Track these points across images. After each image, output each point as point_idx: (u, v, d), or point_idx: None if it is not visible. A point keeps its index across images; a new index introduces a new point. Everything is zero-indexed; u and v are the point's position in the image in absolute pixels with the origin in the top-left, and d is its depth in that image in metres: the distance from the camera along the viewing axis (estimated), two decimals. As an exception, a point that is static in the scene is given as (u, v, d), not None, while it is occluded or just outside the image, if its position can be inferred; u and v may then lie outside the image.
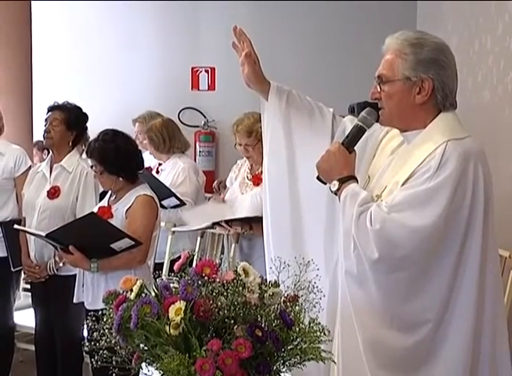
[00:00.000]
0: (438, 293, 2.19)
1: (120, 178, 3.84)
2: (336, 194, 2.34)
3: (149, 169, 5.19)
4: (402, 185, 2.23)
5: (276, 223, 2.69)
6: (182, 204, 4.82)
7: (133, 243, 3.68)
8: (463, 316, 2.20)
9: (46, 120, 4.39)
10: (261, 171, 4.51)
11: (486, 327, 2.26)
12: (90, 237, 3.71)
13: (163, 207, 4.67)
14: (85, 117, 4.52)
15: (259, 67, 2.61)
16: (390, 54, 2.31)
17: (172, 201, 4.81)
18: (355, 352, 2.23)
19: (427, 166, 2.19)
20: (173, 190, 4.82)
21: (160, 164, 5.27)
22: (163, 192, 4.68)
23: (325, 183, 2.40)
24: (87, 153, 4.00)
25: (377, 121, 2.39)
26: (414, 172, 2.22)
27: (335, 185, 2.33)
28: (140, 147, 4.40)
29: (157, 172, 5.21)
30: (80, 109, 4.49)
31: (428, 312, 2.19)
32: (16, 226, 4.20)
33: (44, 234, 3.77)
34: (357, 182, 2.34)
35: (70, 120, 4.38)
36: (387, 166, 2.38)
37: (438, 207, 2.15)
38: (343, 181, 2.32)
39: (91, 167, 3.93)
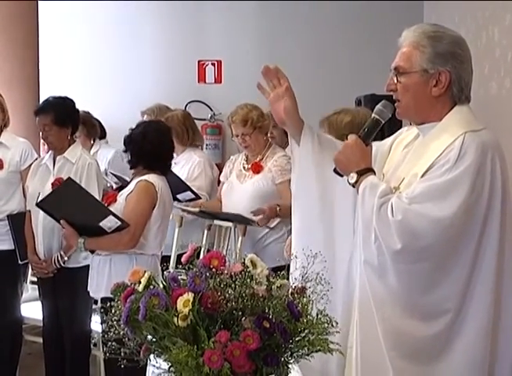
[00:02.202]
0: (458, 282, 2.21)
1: (141, 166, 3.90)
2: (353, 186, 2.34)
3: None
4: (422, 176, 2.24)
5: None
6: (198, 197, 4.83)
7: (119, 223, 3.70)
8: (481, 304, 2.22)
9: (38, 125, 4.38)
10: (260, 160, 4.54)
11: (504, 316, 2.27)
12: (78, 211, 3.77)
13: (177, 200, 4.70)
14: (72, 105, 4.47)
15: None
16: (407, 46, 2.31)
17: (187, 195, 4.81)
18: (374, 342, 2.23)
19: (446, 158, 2.20)
20: (188, 184, 4.82)
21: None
22: (178, 186, 4.70)
23: (342, 176, 2.40)
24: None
25: (393, 114, 2.39)
26: (433, 164, 2.23)
27: (353, 177, 2.33)
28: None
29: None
30: (64, 100, 4.45)
31: (448, 301, 2.21)
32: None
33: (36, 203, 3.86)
34: (375, 174, 2.35)
35: (59, 118, 4.34)
36: (403, 159, 2.40)
37: (457, 198, 2.16)
38: (361, 173, 2.32)
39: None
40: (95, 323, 4.41)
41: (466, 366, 2.22)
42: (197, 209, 4.67)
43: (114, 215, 3.69)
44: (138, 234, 3.79)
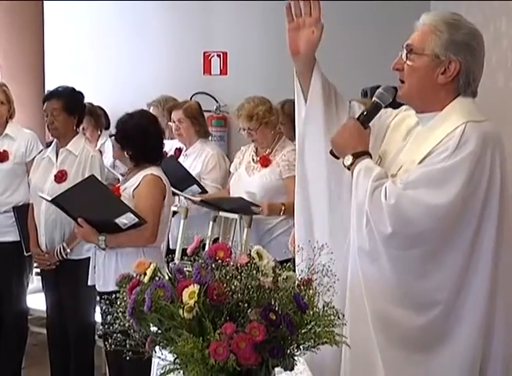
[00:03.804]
0: (451, 274, 2.18)
1: (126, 154, 3.85)
2: (349, 169, 2.33)
3: (178, 152, 5.19)
4: (419, 163, 2.22)
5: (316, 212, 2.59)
6: (204, 192, 4.84)
7: (137, 220, 3.68)
8: (477, 300, 2.19)
9: (45, 110, 4.38)
10: (268, 153, 4.54)
11: (499, 314, 2.24)
12: (94, 207, 3.74)
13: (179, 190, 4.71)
14: (82, 96, 4.50)
15: None
16: (424, 29, 2.28)
17: (197, 189, 4.82)
18: (364, 329, 2.21)
19: (445, 146, 2.18)
20: (197, 178, 4.84)
21: (180, 149, 5.24)
22: (187, 179, 4.74)
23: (338, 158, 2.38)
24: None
25: (394, 99, 2.37)
26: (432, 151, 2.21)
27: (348, 159, 2.31)
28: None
29: (178, 157, 5.20)
30: (74, 90, 4.47)
31: (440, 292, 2.19)
32: (40, 194, 4.20)
33: (50, 198, 3.80)
34: (371, 157, 2.33)
35: (69, 105, 4.36)
36: (403, 146, 2.37)
37: (454, 186, 2.14)
38: (357, 156, 2.31)
39: None
40: (100, 315, 4.43)
41: (455, 363, 2.20)
42: (198, 198, 4.66)
43: (133, 212, 3.67)
44: (157, 229, 3.80)
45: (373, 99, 2.40)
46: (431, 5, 6.77)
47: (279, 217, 4.42)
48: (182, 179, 4.74)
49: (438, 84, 2.26)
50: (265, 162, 4.52)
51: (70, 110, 4.37)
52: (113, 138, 4.01)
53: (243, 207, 4.39)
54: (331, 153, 2.39)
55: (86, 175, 4.22)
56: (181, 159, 5.11)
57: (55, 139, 4.51)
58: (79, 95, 4.48)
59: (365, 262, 2.25)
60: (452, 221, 2.16)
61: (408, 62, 2.29)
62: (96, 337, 4.50)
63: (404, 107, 2.51)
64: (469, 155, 2.15)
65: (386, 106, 2.44)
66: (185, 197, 4.76)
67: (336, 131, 2.38)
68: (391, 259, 2.19)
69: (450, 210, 2.15)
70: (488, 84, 4.84)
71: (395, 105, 2.50)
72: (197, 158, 5.05)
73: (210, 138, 5.43)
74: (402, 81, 2.32)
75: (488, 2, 5.04)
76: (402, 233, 2.17)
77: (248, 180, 4.53)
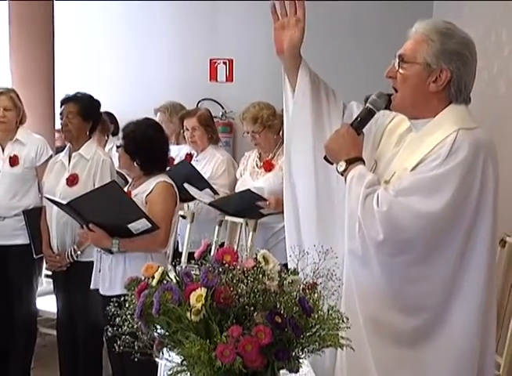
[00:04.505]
0: (441, 280, 2.18)
1: (135, 164, 3.86)
2: (342, 175, 2.32)
3: (189, 157, 5.21)
4: (411, 171, 2.21)
5: (303, 210, 2.59)
6: (217, 194, 4.85)
7: (150, 226, 3.68)
8: (468, 307, 2.18)
9: (61, 113, 4.41)
10: (271, 158, 4.54)
11: (492, 319, 2.25)
12: (109, 212, 3.73)
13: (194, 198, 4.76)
14: (98, 104, 4.55)
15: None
16: (416, 37, 2.27)
17: (207, 192, 4.83)
18: (356, 329, 2.18)
19: (437, 153, 2.17)
20: (209, 182, 4.84)
21: (191, 154, 5.25)
22: (199, 182, 4.74)
23: (331, 163, 2.37)
24: (123, 127, 4.04)
25: (387, 106, 2.36)
26: (423, 159, 2.20)
27: (342, 165, 2.31)
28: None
29: (188, 159, 5.21)
30: (92, 97, 4.51)
31: (429, 298, 2.18)
32: (46, 195, 4.21)
33: (65, 202, 3.78)
34: (364, 164, 2.32)
35: (84, 110, 4.40)
36: (396, 153, 2.36)
37: (445, 194, 2.13)
38: (350, 162, 2.30)
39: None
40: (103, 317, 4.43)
41: (451, 364, 2.19)
42: (207, 201, 4.67)
43: (147, 218, 3.67)
44: (168, 235, 3.82)
45: (367, 105, 2.39)
46: (434, 16, 6.79)
47: (282, 224, 4.40)
48: (196, 182, 4.75)
49: (429, 92, 2.26)
50: (269, 167, 4.53)
51: (85, 115, 4.41)
52: (119, 149, 3.97)
53: (250, 205, 4.38)
54: (325, 158, 2.39)
55: (97, 179, 4.26)
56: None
57: (68, 144, 4.52)
58: (95, 103, 4.52)
59: (358, 266, 2.25)
60: (443, 228, 2.15)
61: (400, 70, 2.28)
62: (104, 338, 4.50)
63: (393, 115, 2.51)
64: (460, 163, 2.14)
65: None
66: (198, 199, 4.77)
67: (329, 137, 2.37)
68: (381, 264, 2.19)
69: (441, 217, 2.14)
70: (490, 91, 4.86)
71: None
72: (208, 163, 5.07)
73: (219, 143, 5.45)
74: (395, 89, 2.32)
75: (491, 12, 5.05)
76: (393, 239, 2.16)
77: (253, 185, 4.54)
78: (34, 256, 4.69)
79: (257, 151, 4.69)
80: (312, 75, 2.50)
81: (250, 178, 4.60)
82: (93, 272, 3.96)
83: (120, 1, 7.63)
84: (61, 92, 6.13)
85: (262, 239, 4.44)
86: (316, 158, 2.48)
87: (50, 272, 4.87)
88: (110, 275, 3.85)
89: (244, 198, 4.43)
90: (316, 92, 2.50)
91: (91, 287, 3.97)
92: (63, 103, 4.45)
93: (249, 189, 4.38)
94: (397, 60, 2.29)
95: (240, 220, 4.50)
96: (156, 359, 1.92)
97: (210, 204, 4.64)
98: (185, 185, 4.68)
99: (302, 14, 2.43)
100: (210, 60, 7.85)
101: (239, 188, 4.66)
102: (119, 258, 3.82)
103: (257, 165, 4.63)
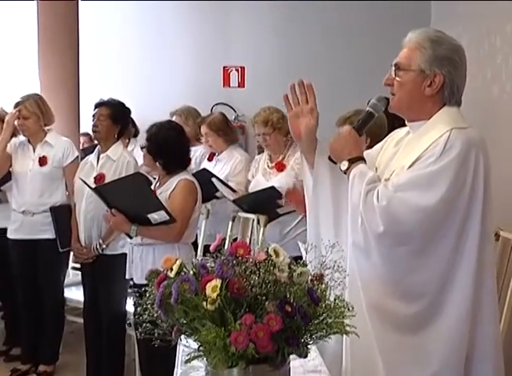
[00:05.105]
0: (438, 268, 2.18)
1: (158, 164, 3.87)
2: (345, 173, 2.33)
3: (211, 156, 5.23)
4: (408, 168, 2.23)
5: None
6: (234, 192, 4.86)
7: (168, 218, 3.70)
8: (461, 291, 2.19)
9: (94, 115, 4.44)
10: (282, 159, 4.54)
11: (486, 302, 2.24)
12: (132, 201, 3.75)
13: (216, 197, 4.81)
14: (128, 110, 4.59)
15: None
16: (410, 46, 2.29)
17: (226, 191, 4.85)
18: (361, 317, 2.18)
19: (432, 151, 2.18)
20: (225, 181, 4.86)
21: (213, 154, 5.25)
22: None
23: (335, 163, 2.38)
24: (147, 129, 4.04)
25: (386, 108, 2.38)
26: (419, 157, 2.21)
27: (345, 164, 2.32)
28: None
29: (210, 160, 5.23)
30: (123, 104, 4.55)
31: (428, 285, 2.19)
32: (80, 177, 4.27)
33: (93, 187, 3.86)
34: (365, 162, 2.34)
35: (115, 114, 4.43)
36: (395, 153, 2.38)
37: (440, 189, 2.14)
38: (352, 161, 2.31)
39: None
40: (130, 306, 4.43)
41: (444, 348, 2.19)
42: (231, 197, 4.72)
43: (165, 211, 3.69)
44: (184, 229, 3.83)
45: (367, 108, 2.41)
46: (432, 24, 6.76)
47: (297, 219, 4.40)
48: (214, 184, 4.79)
49: (425, 95, 2.27)
50: (280, 167, 4.52)
51: (115, 119, 4.43)
52: (144, 149, 3.99)
53: (271, 202, 4.35)
54: (329, 158, 2.40)
55: None
56: (213, 163, 5.16)
57: (97, 146, 4.55)
58: (125, 109, 4.56)
59: (361, 258, 2.25)
60: (439, 221, 2.16)
61: (397, 78, 2.30)
62: (126, 326, 4.51)
63: (396, 131, 2.51)
64: (454, 159, 2.15)
65: (386, 115, 2.44)
66: (224, 196, 4.81)
67: (333, 138, 2.38)
68: (382, 255, 2.20)
69: (436, 210, 2.15)
70: (484, 95, 4.83)
71: (387, 114, 2.51)
72: (227, 163, 5.07)
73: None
74: (393, 94, 2.33)
75: (484, 20, 5.02)
76: (392, 231, 2.17)
77: (266, 185, 4.52)
78: (60, 250, 4.70)
79: (267, 153, 4.68)
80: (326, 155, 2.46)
81: (264, 179, 4.59)
82: (127, 263, 3.98)
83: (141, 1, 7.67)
84: (85, 97, 6.18)
85: (278, 234, 4.42)
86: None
87: (77, 265, 4.90)
88: (141, 265, 3.87)
89: (267, 195, 4.42)
90: (333, 171, 2.45)
91: (127, 276, 4.00)
92: (96, 106, 4.47)
93: (273, 186, 4.37)
94: (393, 69, 2.31)
95: (252, 216, 4.49)
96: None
97: (233, 201, 4.64)
98: (213, 179, 4.73)
99: (314, 102, 2.41)
100: (224, 67, 7.88)
101: (253, 188, 4.65)
102: (149, 250, 3.85)
103: (268, 166, 4.62)
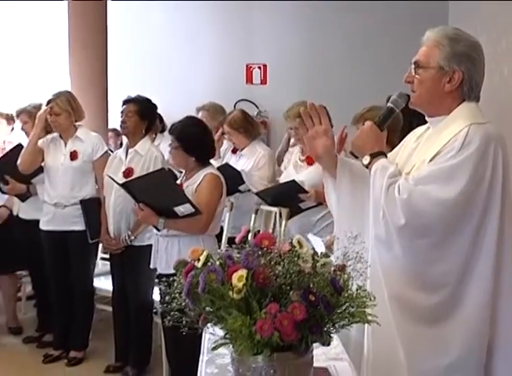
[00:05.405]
0: (458, 259, 2.17)
1: (193, 159, 3.87)
2: (367, 167, 2.32)
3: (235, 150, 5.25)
4: (429, 162, 2.21)
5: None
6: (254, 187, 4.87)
7: (193, 211, 3.71)
8: (481, 282, 2.17)
9: (122, 112, 4.45)
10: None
11: (504, 293, 2.22)
12: (158, 195, 3.76)
13: (239, 191, 4.81)
14: (155, 107, 4.59)
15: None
16: (429, 44, 2.27)
17: (248, 186, 4.87)
18: (382, 307, 2.16)
19: (452, 146, 2.17)
20: (250, 174, 4.89)
21: (236, 149, 5.26)
22: (240, 178, 4.78)
23: (357, 158, 2.38)
24: (169, 130, 4.04)
25: (407, 105, 2.35)
26: (440, 151, 2.19)
27: (367, 159, 2.31)
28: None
29: (234, 152, 5.24)
30: (150, 100, 4.55)
31: (447, 276, 2.17)
32: (108, 174, 4.29)
33: (121, 183, 3.88)
34: (386, 157, 2.33)
35: (142, 111, 4.44)
36: (415, 148, 2.36)
37: (460, 182, 2.12)
38: (374, 156, 2.31)
39: (170, 144, 3.97)
40: (157, 295, 4.45)
41: (465, 337, 2.18)
42: (255, 190, 4.74)
43: (191, 204, 3.70)
44: (209, 222, 3.83)
45: (388, 104, 2.40)
46: (449, 21, 6.70)
47: (320, 214, 4.37)
48: (238, 178, 4.80)
49: (444, 92, 2.25)
50: (311, 161, 4.48)
51: (142, 115, 4.44)
52: (172, 149, 3.96)
53: (293, 196, 4.34)
54: (351, 153, 2.40)
55: None
56: (237, 158, 5.17)
57: (125, 141, 4.56)
58: (152, 105, 4.56)
59: (382, 250, 2.24)
60: (458, 213, 2.14)
61: (416, 76, 2.28)
62: (153, 314, 4.52)
63: (410, 135, 2.50)
64: (473, 153, 2.14)
65: (403, 112, 2.43)
66: (249, 186, 4.83)
67: (355, 134, 2.38)
68: (403, 247, 2.18)
69: (456, 203, 2.13)
70: (502, 92, 4.78)
71: (408, 110, 2.48)
72: (250, 158, 5.06)
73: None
74: (414, 91, 2.32)
75: (501, 19, 4.97)
76: (413, 224, 2.15)
77: (296, 177, 4.51)
78: (90, 241, 4.72)
79: (300, 147, 4.67)
80: (349, 167, 2.46)
81: (294, 171, 4.58)
82: (152, 253, 3.99)
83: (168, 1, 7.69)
84: (113, 95, 6.21)
85: (299, 228, 4.41)
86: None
87: (105, 255, 4.92)
88: (166, 255, 3.87)
89: (288, 188, 4.40)
90: (356, 180, 2.44)
91: (151, 266, 4.00)
92: (124, 103, 4.49)
93: (294, 180, 4.36)
94: (413, 66, 2.30)
95: (275, 209, 4.48)
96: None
97: (257, 194, 4.65)
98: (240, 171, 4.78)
99: (327, 123, 2.41)
100: (247, 65, 7.88)
101: (283, 180, 4.65)
102: (174, 241, 3.85)
103: (299, 159, 4.62)
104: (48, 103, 4.74)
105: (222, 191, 3.90)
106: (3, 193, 5.18)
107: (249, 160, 5.05)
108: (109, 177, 4.18)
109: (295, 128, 4.54)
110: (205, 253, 1.78)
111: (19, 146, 4.97)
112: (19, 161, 4.80)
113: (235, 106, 7.02)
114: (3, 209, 5.30)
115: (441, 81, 2.24)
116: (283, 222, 4.36)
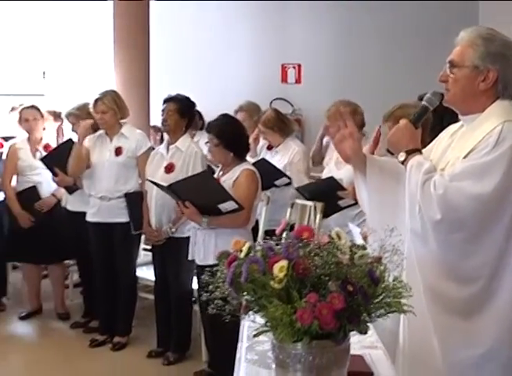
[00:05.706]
0: (492, 253, 2.15)
1: (232, 154, 3.90)
2: (403, 164, 2.31)
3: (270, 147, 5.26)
4: (463, 158, 2.19)
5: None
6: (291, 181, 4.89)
7: (236, 206, 3.74)
8: None
9: (163, 110, 4.49)
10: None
11: None
12: (202, 194, 3.79)
13: (275, 186, 4.81)
14: (194, 104, 4.60)
15: None
16: (463, 44, 2.25)
17: (284, 181, 4.87)
18: (418, 298, 2.17)
19: (486, 143, 2.15)
20: (286, 169, 4.90)
21: (270, 146, 5.26)
22: (276, 173, 4.78)
23: (393, 154, 2.36)
24: (207, 129, 4.05)
25: (441, 103, 2.33)
26: (474, 148, 2.17)
27: (402, 156, 2.30)
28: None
29: (269, 149, 5.24)
30: (189, 98, 4.56)
31: (482, 268, 2.15)
32: (149, 178, 4.32)
33: (166, 185, 3.89)
34: (421, 153, 2.31)
35: (182, 109, 4.46)
36: (449, 145, 2.34)
37: (494, 178, 2.10)
38: (409, 153, 2.29)
39: (207, 142, 3.99)
40: (195, 284, 4.48)
41: (497, 329, 2.16)
42: (296, 185, 4.75)
43: (234, 201, 3.73)
44: (249, 215, 3.86)
45: (422, 102, 2.38)
46: (480, 20, 6.61)
47: (359, 208, 4.34)
48: (274, 173, 4.81)
49: (478, 90, 2.23)
50: None
51: (182, 113, 4.47)
52: (211, 146, 3.98)
53: (332, 192, 4.31)
54: (387, 150, 2.39)
55: (190, 168, 4.35)
56: (272, 154, 5.17)
57: (166, 138, 4.60)
58: (191, 103, 4.58)
59: (418, 243, 2.23)
60: (492, 208, 2.13)
61: (451, 75, 2.26)
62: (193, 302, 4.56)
63: (442, 134, 2.47)
64: (507, 150, 2.11)
65: (434, 110, 2.41)
66: (282, 185, 4.85)
67: (391, 132, 2.36)
68: (438, 241, 2.17)
69: (490, 199, 2.11)
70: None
71: (439, 108, 2.46)
72: (285, 154, 5.07)
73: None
74: (448, 90, 2.30)
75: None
76: (449, 218, 2.14)
77: (337, 174, 4.49)
78: (133, 232, 4.77)
79: None
80: (379, 165, 2.45)
81: (335, 168, 4.56)
82: (190, 245, 4.02)
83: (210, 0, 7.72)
84: (154, 93, 6.26)
85: (338, 220, 4.38)
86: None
87: (148, 246, 4.97)
88: (204, 248, 3.90)
89: (327, 185, 4.38)
90: (386, 177, 2.43)
91: (189, 257, 4.03)
92: (165, 101, 4.52)
93: (332, 177, 4.34)
94: (447, 66, 2.28)
95: (310, 203, 4.47)
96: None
97: (296, 189, 4.65)
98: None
99: (352, 126, 2.41)
100: (282, 65, 7.89)
101: (325, 175, 4.64)
102: (211, 234, 3.87)
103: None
104: (96, 101, 4.80)
105: (258, 186, 3.92)
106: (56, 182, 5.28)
107: (284, 157, 5.05)
108: (151, 181, 4.17)
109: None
110: (247, 244, 1.80)
111: (70, 141, 5.06)
112: (68, 169, 4.87)
113: (270, 105, 7.03)
114: (51, 197, 5.39)
115: (475, 79, 2.22)
116: (318, 216, 4.35)
